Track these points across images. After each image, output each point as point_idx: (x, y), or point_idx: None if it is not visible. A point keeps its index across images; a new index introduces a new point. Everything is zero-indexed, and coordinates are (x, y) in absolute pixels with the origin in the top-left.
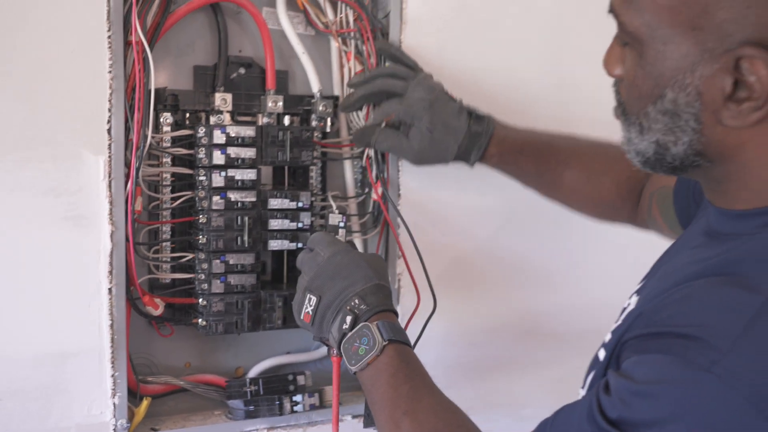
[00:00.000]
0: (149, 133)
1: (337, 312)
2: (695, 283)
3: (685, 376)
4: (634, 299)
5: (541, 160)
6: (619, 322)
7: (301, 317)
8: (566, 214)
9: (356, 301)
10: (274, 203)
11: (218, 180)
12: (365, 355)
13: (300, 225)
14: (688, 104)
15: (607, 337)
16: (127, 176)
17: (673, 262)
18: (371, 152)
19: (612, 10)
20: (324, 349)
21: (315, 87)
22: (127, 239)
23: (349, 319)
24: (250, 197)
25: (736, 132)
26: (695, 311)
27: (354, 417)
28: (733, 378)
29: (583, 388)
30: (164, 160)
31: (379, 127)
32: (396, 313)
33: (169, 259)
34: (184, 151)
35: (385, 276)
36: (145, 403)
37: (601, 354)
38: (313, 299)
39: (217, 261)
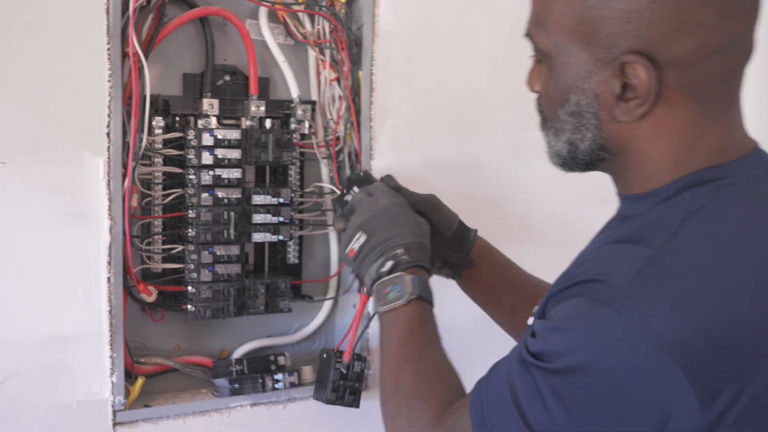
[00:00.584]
0: (144, 137)
1: (381, 254)
2: (603, 247)
3: (590, 311)
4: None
5: (517, 283)
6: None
7: (346, 251)
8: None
9: (400, 250)
10: (258, 199)
11: (206, 178)
12: (393, 301)
13: (281, 219)
14: (588, 105)
15: (535, 308)
16: (124, 175)
17: (593, 241)
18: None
19: (527, 34)
20: (302, 333)
21: (294, 92)
22: (124, 233)
23: (389, 264)
24: (235, 194)
25: (627, 126)
26: (601, 263)
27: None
28: (627, 311)
29: None
30: (156, 160)
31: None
32: (430, 272)
33: (160, 251)
34: (174, 152)
35: (428, 237)
36: (139, 381)
37: (530, 320)
38: (363, 237)
39: (206, 252)
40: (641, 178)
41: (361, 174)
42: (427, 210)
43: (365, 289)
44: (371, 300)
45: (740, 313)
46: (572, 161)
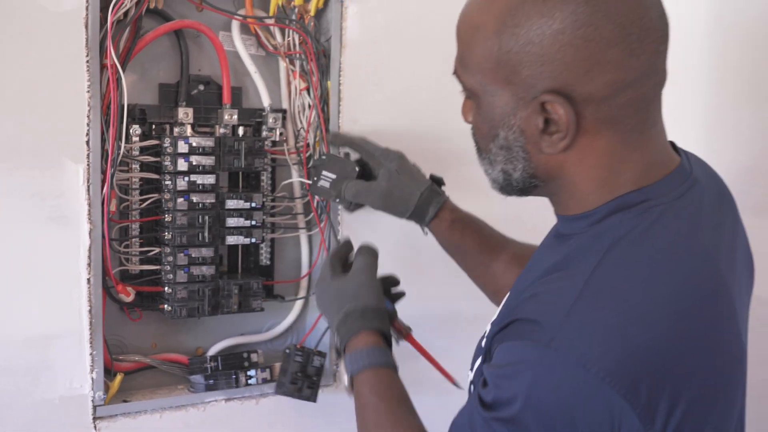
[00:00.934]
0: (122, 144)
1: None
2: (540, 281)
3: (534, 354)
4: (509, 293)
5: (483, 239)
6: (495, 316)
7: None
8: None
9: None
10: (231, 204)
11: (182, 184)
12: (349, 375)
13: (253, 223)
14: (515, 140)
15: (488, 328)
16: (103, 181)
17: (535, 258)
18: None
19: (455, 73)
20: (274, 331)
21: (266, 101)
22: (103, 236)
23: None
24: (209, 199)
25: (554, 157)
26: (537, 302)
27: None
28: (566, 350)
29: (471, 370)
30: (134, 166)
31: (348, 180)
32: (379, 332)
33: (138, 253)
34: (151, 159)
35: (366, 294)
36: (118, 378)
37: (484, 342)
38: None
39: (181, 254)
40: (573, 201)
41: (324, 157)
42: (373, 205)
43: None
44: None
45: (663, 335)
46: (508, 187)
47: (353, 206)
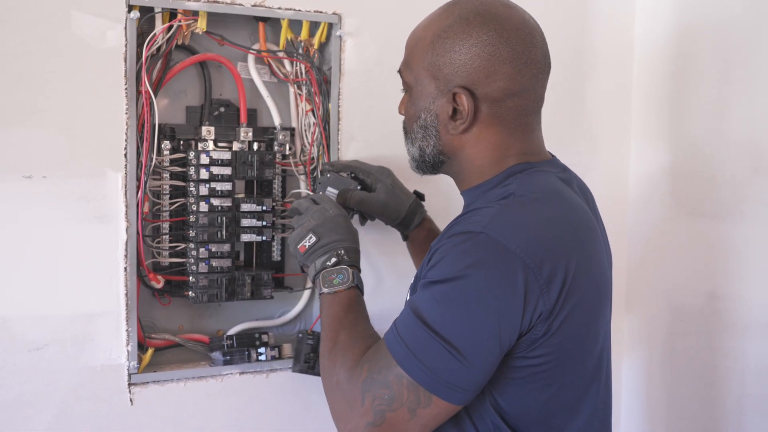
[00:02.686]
0: (154, 156)
1: (327, 252)
2: (453, 223)
3: (470, 237)
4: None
5: None
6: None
7: (297, 247)
8: None
9: (342, 251)
10: (245, 207)
11: (204, 190)
12: (337, 285)
13: (264, 223)
14: (431, 121)
15: (407, 293)
16: (138, 187)
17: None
18: (317, 174)
19: (399, 71)
20: (284, 318)
21: (276, 121)
22: (137, 233)
23: (333, 259)
24: (227, 203)
25: (457, 137)
26: (459, 226)
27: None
28: (495, 233)
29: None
30: (164, 175)
31: (352, 190)
32: (360, 271)
33: (167, 248)
34: (178, 169)
35: (358, 244)
36: (150, 352)
37: (408, 295)
38: (314, 239)
39: (203, 249)
40: (473, 174)
41: (329, 176)
42: (373, 212)
43: (309, 275)
44: (316, 283)
45: (557, 234)
46: (423, 163)
47: (363, 220)
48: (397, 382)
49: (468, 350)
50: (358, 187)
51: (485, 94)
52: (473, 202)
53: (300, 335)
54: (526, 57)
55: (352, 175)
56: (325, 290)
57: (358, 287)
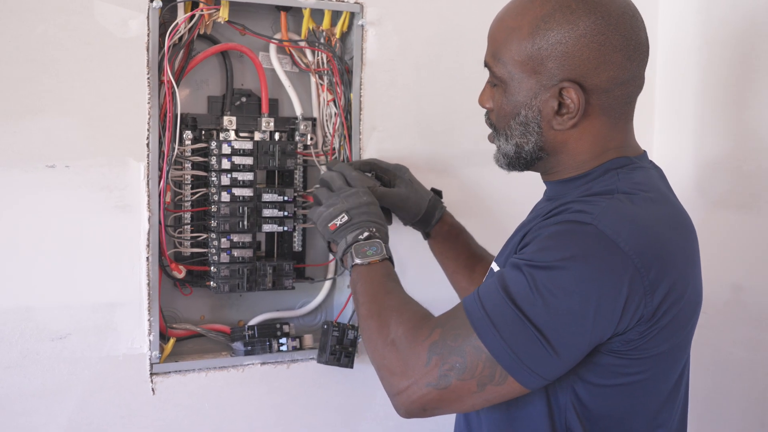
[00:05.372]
0: (176, 146)
1: (359, 228)
2: (556, 209)
3: (575, 228)
4: (506, 242)
5: (471, 246)
6: (498, 253)
7: (328, 225)
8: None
9: (374, 229)
10: (267, 197)
11: (226, 180)
12: (371, 256)
13: (285, 213)
14: (533, 118)
15: (494, 266)
16: (160, 177)
17: (532, 213)
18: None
19: (486, 65)
20: (305, 308)
21: (298, 111)
22: (159, 222)
23: (366, 234)
24: (249, 193)
25: (561, 133)
26: (570, 213)
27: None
28: (604, 227)
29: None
30: (186, 165)
31: (374, 187)
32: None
33: (189, 238)
34: (200, 159)
35: (387, 229)
36: (171, 341)
37: (493, 266)
38: (346, 218)
39: (225, 239)
40: (569, 168)
41: (353, 173)
42: (395, 206)
43: (335, 251)
44: (346, 257)
45: (667, 238)
46: (517, 160)
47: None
48: (473, 354)
49: (557, 341)
50: (379, 184)
51: (594, 85)
52: (564, 195)
53: (325, 326)
54: (635, 42)
55: (373, 172)
56: (358, 261)
57: (391, 260)
